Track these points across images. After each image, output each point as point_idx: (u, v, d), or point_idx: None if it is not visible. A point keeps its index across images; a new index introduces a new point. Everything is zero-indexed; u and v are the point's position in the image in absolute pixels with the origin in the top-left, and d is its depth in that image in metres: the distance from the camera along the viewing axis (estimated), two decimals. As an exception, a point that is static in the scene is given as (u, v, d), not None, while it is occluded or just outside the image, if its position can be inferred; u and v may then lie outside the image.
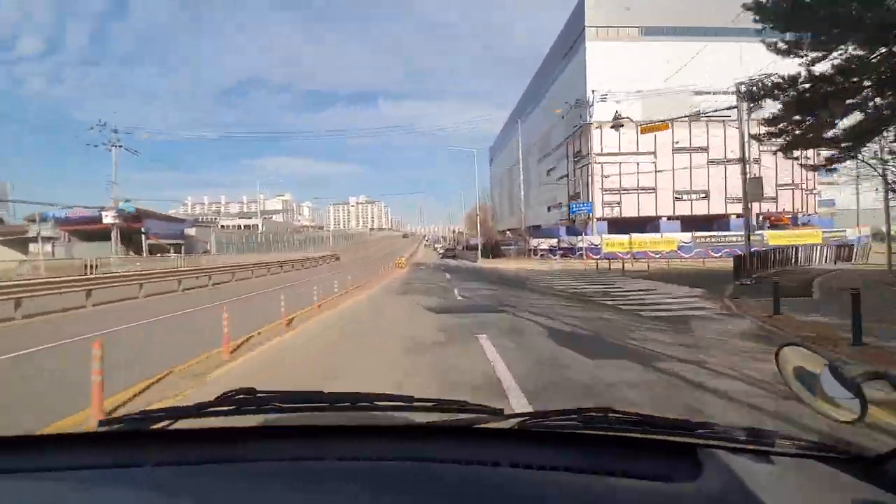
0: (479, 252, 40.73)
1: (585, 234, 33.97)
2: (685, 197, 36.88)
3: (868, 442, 0.88)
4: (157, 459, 0.81)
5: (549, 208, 48.79)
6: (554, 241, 38.09)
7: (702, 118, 37.56)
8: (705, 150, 36.26)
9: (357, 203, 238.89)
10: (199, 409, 0.97)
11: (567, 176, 40.76)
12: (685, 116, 38.50)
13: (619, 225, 34.84)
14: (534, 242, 38.87)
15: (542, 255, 36.45)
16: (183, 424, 0.95)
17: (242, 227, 68.27)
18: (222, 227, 66.15)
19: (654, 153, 35.62)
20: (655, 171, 35.55)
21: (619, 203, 35.77)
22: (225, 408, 0.96)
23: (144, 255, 34.59)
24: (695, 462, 0.77)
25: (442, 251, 59.45)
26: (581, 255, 33.44)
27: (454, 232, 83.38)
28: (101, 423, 0.97)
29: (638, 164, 35.71)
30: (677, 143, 35.63)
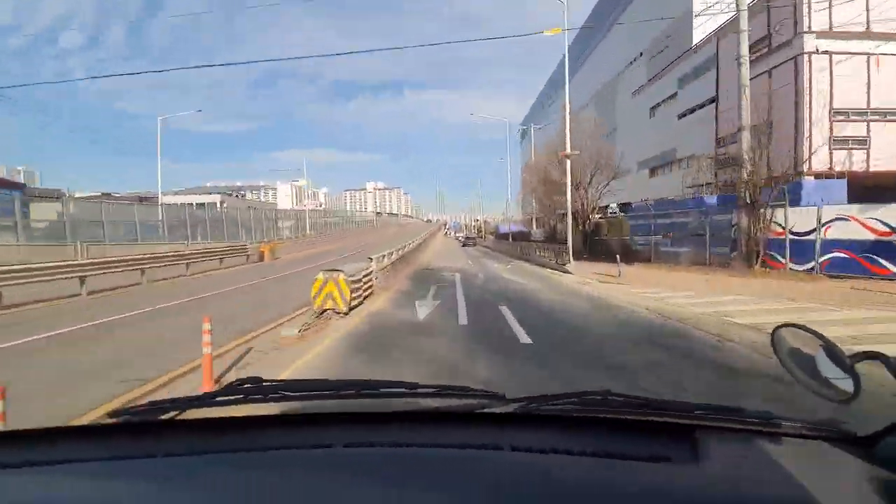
0: (570, 244, 17.30)
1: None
2: None
3: (862, 421, 0.86)
4: (167, 450, 0.81)
5: (651, 171, 29.52)
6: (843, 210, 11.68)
7: None
8: None
9: (375, 189, 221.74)
10: (207, 399, 0.97)
11: (715, 101, 21.59)
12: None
13: (860, 187, 15.13)
14: (799, 222, 12.54)
15: (828, 263, 11.75)
16: (191, 415, 0.95)
17: (195, 206, 50.04)
18: (167, 204, 48.86)
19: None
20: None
21: (866, 140, 16.41)
22: (232, 397, 0.95)
23: None
24: (694, 443, 0.77)
25: (463, 240, 51.50)
26: None
27: (476, 221, 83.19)
28: (110, 415, 0.96)
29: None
30: None
